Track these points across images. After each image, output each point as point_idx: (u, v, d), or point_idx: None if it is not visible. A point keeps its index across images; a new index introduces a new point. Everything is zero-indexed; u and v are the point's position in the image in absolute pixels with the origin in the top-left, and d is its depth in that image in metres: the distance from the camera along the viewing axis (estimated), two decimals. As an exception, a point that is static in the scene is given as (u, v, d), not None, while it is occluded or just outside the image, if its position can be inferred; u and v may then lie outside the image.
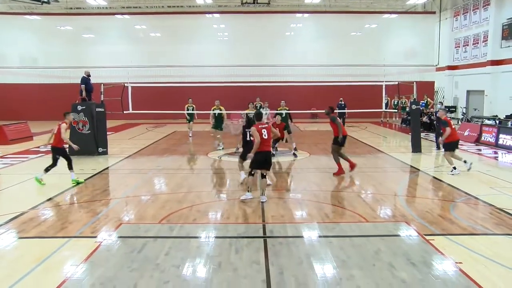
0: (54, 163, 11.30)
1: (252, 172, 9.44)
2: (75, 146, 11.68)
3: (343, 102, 25.39)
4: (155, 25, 33.44)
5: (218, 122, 17.41)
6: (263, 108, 18.27)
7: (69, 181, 11.45)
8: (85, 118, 16.02)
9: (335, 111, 13.10)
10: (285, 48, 33.31)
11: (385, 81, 18.74)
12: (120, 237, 7.30)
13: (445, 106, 30.29)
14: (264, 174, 9.57)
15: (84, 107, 16.10)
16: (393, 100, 28.32)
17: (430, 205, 9.22)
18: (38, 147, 18.08)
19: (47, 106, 30.81)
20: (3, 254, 6.61)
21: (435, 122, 20.23)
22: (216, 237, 7.31)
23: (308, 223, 8.08)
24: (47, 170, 11.27)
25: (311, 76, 30.68)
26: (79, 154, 15.55)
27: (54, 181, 11.68)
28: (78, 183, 11.29)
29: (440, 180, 11.79)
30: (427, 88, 31.09)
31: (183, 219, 8.26)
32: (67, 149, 11.70)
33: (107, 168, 13.74)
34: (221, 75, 31.15)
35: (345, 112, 24.88)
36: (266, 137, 9.34)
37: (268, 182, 9.76)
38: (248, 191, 9.41)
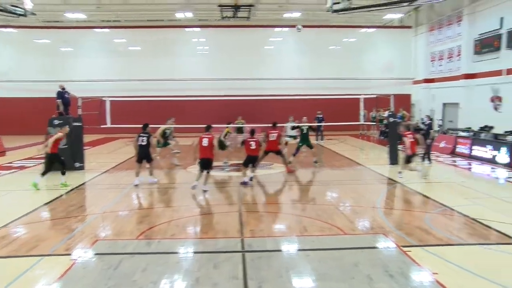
0: (49, 169, 12.51)
1: (202, 170, 11.96)
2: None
3: (321, 116, 25.56)
4: (135, 39, 33.32)
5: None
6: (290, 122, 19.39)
7: (44, 196, 11.27)
8: (61, 132, 15.73)
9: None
10: (265, 62, 33.52)
11: (364, 94, 18.98)
12: (96, 254, 7.17)
13: (421, 119, 30.85)
14: (207, 171, 11.99)
15: (61, 122, 15.86)
16: (371, 113, 28.64)
17: (407, 217, 9.32)
18: (11, 162, 17.72)
19: (23, 121, 30.34)
20: (-26, 274, 6.42)
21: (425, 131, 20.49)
22: (195, 252, 7.24)
23: (287, 236, 8.07)
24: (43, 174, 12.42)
25: (291, 90, 30.97)
26: (55, 169, 15.31)
27: (28, 198, 11.46)
28: (66, 185, 12.41)
29: (417, 192, 11.94)
30: (404, 101, 31.61)
31: (161, 234, 8.16)
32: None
33: (83, 183, 13.53)
34: (202, 88, 31.21)
35: (321, 125, 24.96)
36: (206, 144, 11.73)
37: (205, 188, 11.87)
38: (196, 180, 11.97)
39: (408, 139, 13.57)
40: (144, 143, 12.80)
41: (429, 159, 17.07)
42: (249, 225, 8.74)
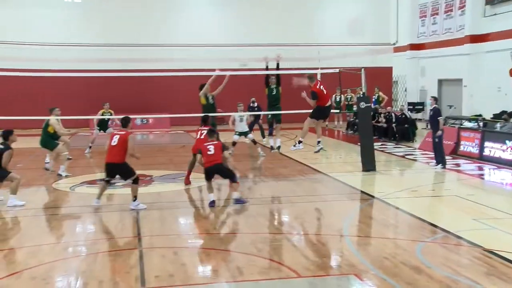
0: None
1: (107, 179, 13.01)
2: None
3: (256, 104, 25.62)
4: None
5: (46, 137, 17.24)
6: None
7: None
8: None
9: None
10: (168, 20, 33.32)
11: (321, 68, 19.29)
12: None
13: (408, 103, 31.92)
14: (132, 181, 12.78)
15: None
16: (334, 96, 29.22)
17: (390, 248, 9.63)
18: None
19: None
20: None
21: (428, 120, 20.91)
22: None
23: (211, 283, 8.12)
24: None
25: (211, 62, 30.86)
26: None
27: None
28: None
29: (404, 211, 12.37)
30: (382, 76, 32.56)
31: (5, 295, 7.92)
32: None
33: None
34: (65, 60, 30.43)
35: (259, 116, 24.80)
36: (115, 143, 12.53)
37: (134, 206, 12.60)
38: (97, 198, 12.82)
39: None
40: None
41: (442, 162, 17.68)
42: (153, 269, 8.68)
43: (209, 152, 12.91)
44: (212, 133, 13.75)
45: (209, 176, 13.11)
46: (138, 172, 16.19)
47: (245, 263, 8.95)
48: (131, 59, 30.16)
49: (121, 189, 15.05)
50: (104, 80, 27.82)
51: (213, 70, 18.93)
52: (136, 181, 12.74)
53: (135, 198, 12.61)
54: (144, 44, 31.55)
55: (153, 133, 31.58)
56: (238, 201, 13.02)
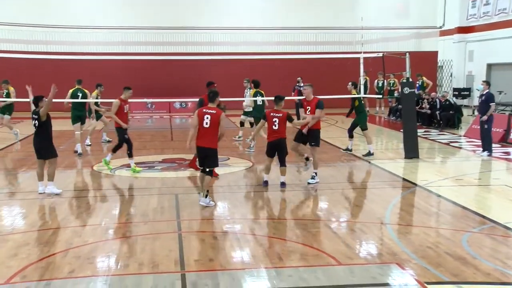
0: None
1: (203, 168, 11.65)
2: (124, 125, 14.75)
3: (302, 84, 25.49)
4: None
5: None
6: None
7: None
8: None
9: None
10: (215, 4, 33.46)
11: (364, 52, 19.20)
12: None
13: (453, 89, 31.53)
14: (206, 170, 11.53)
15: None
16: (376, 81, 29.03)
17: (433, 238, 9.61)
18: None
19: None
20: None
21: (478, 106, 20.67)
22: (108, 297, 7.28)
23: (250, 269, 8.20)
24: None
25: (255, 46, 31.02)
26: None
27: None
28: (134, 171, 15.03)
29: (448, 200, 12.30)
30: (426, 61, 32.24)
31: (50, 272, 8.07)
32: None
33: None
34: (109, 42, 30.84)
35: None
36: (207, 125, 11.23)
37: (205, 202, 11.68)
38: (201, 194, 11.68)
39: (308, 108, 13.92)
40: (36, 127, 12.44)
41: (489, 150, 17.53)
42: (193, 252, 8.84)
43: (274, 127, 12.80)
44: (280, 101, 13.08)
45: (272, 152, 13.12)
46: (178, 156, 16.47)
47: (285, 249, 9.06)
48: (170, 42, 30.52)
49: (160, 173, 15.26)
50: (143, 63, 28.18)
51: (258, 53, 18.66)
52: (211, 173, 11.72)
53: (207, 193, 11.70)
54: (186, 27, 31.78)
55: (191, 117, 31.72)
56: (283, 184, 13.17)
